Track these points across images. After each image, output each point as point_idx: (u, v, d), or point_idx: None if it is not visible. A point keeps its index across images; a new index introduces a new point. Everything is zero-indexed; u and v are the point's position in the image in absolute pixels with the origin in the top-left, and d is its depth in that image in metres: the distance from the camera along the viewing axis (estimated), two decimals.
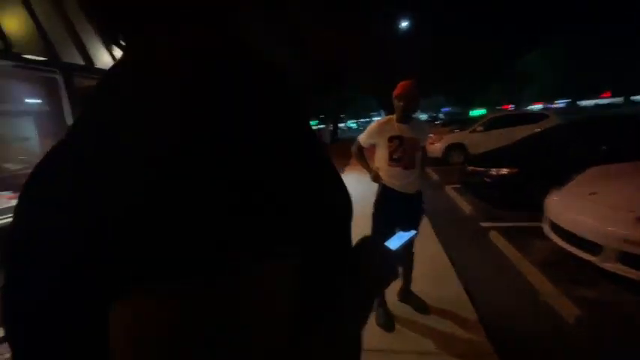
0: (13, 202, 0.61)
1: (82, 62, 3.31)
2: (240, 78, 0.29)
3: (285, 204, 0.26)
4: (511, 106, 37.25)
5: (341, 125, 39.03)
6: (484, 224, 3.92)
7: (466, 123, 10.35)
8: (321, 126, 23.17)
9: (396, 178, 2.00)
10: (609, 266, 2.30)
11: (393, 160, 1.97)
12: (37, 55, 2.85)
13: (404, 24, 20.95)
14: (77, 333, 0.23)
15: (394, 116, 1.97)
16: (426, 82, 23.84)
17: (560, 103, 48.66)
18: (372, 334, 1.96)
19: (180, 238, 0.21)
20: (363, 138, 2.11)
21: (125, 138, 0.24)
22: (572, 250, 2.59)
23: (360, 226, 0.74)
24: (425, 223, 3.93)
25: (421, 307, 2.20)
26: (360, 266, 0.43)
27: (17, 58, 2.68)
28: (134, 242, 0.21)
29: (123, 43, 0.31)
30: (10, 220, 0.28)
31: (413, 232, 0.58)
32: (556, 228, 2.82)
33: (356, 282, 0.40)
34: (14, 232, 0.27)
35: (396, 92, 1.91)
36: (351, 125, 55.76)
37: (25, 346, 0.26)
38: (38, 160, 0.29)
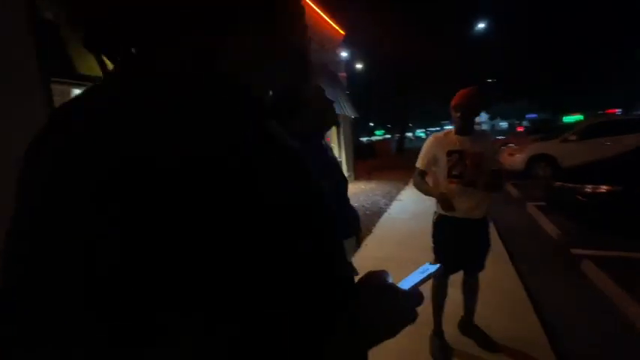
0: None
1: None
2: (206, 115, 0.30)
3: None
4: (618, 111, 30.99)
5: (409, 134, 37.62)
6: (575, 251, 3.32)
7: (555, 131, 8.99)
8: (387, 136, 22.69)
9: (456, 200, 1.78)
10: None
11: (452, 176, 1.80)
12: None
13: (481, 25, 19.45)
14: None
15: (453, 129, 1.82)
16: (506, 86, 21.58)
17: None
18: None
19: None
20: (420, 161, 1.90)
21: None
22: None
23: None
24: (497, 244, 3.51)
25: (486, 342, 1.94)
26: (357, 314, 0.39)
27: None
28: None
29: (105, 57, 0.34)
30: None
31: (436, 266, 0.52)
32: None
33: (346, 336, 0.37)
34: None
35: (453, 102, 1.76)
36: (420, 134, 53.23)
37: None
38: None
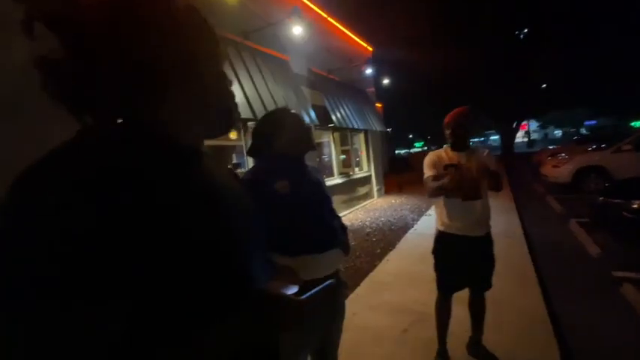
0: None
1: None
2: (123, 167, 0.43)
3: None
4: None
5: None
6: (617, 274, 3.02)
7: (612, 139, 8.12)
8: (426, 148, 22.04)
9: (456, 215, 1.79)
10: None
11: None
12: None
13: (525, 30, 18.45)
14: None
15: (448, 146, 1.86)
16: (558, 93, 19.93)
17: None
18: None
19: None
20: (427, 171, 1.90)
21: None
22: None
23: None
24: (527, 262, 3.31)
25: None
26: (246, 312, 0.50)
27: None
28: None
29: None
30: None
31: (328, 282, 0.59)
32: None
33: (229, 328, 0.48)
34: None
35: (445, 120, 1.82)
36: None
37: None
38: None
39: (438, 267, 1.91)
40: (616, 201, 3.83)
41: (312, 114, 5.54)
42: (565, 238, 4.34)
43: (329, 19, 6.96)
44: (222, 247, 0.50)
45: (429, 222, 5.67)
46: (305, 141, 1.31)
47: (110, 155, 0.42)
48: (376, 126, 8.35)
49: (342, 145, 7.97)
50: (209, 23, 0.56)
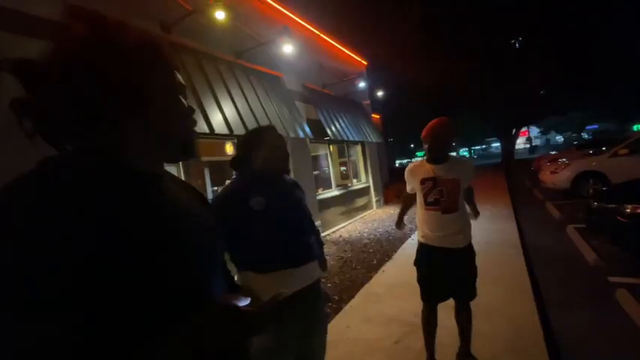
0: None
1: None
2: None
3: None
4: None
5: (452, 154, 35.95)
6: (613, 279, 3.00)
7: (614, 143, 8.04)
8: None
9: (436, 227, 1.81)
10: None
11: (428, 203, 1.85)
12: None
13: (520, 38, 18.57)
14: None
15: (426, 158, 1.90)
16: (558, 97, 19.83)
17: None
18: None
19: None
20: (408, 186, 2.04)
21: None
22: None
23: None
24: (521, 269, 3.29)
25: None
26: (192, 323, 0.53)
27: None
28: None
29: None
30: None
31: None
32: None
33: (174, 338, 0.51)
34: None
35: (422, 134, 1.86)
36: (464, 154, 50.75)
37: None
38: None
39: (421, 278, 1.93)
40: (610, 206, 3.82)
41: (307, 128, 5.63)
42: (562, 244, 4.31)
43: (322, 35, 7.15)
44: (174, 263, 0.55)
45: None
46: (284, 162, 1.37)
47: (60, 182, 0.48)
48: (372, 137, 8.43)
49: (339, 157, 8.04)
50: (163, 56, 0.61)
